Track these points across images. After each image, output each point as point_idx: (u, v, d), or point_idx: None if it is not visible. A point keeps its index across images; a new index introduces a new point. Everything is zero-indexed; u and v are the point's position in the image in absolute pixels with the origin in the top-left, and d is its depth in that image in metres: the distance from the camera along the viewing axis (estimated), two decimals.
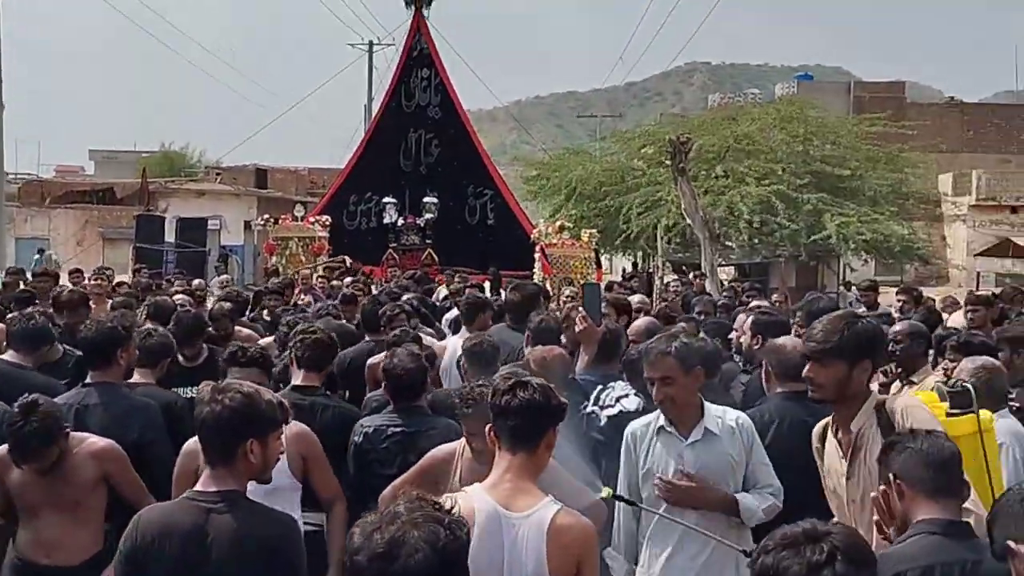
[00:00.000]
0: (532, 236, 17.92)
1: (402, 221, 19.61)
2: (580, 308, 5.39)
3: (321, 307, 8.78)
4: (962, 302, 9.22)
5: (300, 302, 11.21)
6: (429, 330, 8.27)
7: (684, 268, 23.77)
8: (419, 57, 21.39)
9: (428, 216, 19.49)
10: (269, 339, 7.31)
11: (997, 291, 10.47)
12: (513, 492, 2.92)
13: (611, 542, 4.13)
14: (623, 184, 25.76)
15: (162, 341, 5.34)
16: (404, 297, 8.76)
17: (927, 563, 2.81)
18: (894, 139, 28.45)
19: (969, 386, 3.34)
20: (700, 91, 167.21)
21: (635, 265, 30.84)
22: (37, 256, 23.93)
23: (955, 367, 4.91)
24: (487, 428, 3.12)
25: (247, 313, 9.25)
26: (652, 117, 48.22)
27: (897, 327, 6.14)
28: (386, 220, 19.68)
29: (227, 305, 7.85)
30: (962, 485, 3.04)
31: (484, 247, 19.36)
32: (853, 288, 16.75)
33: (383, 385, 4.82)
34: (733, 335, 6.66)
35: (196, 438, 3.71)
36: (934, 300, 10.95)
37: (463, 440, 3.87)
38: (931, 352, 6.19)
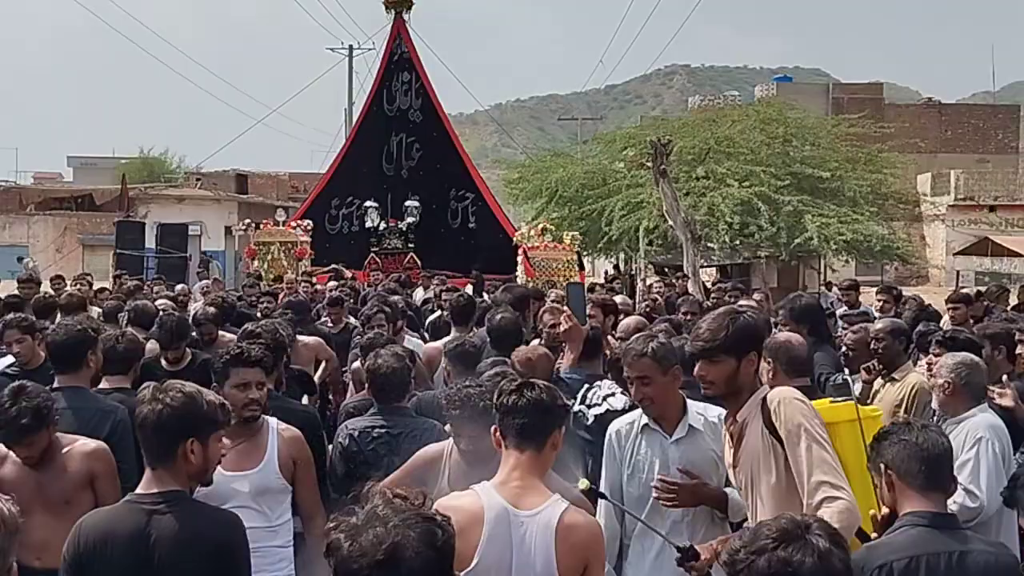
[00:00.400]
0: (514, 239, 17.95)
1: (384, 225, 19.60)
2: (565, 308, 5.41)
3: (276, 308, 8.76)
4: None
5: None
6: (414, 334, 8.30)
7: (666, 270, 23.85)
8: (400, 61, 21.40)
9: (410, 220, 19.49)
10: None
11: (981, 290, 10.57)
12: (521, 490, 2.94)
13: None
14: (605, 187, 25.79)
15: (130, 346, 5.28)
16: (391, 299, 8.77)
17: (913, 554, 2.85)
18: (873, 140, 28.62)
19: (848, 379, 3.49)
20: (680, 94, 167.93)
21: (617, 267, 30.89)
22: (20, 262, 23.80)
23: (939, 362, 4.97)
24: (492, 429, 3.13)
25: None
26: (632, 120, 48.41)
27: (879, 324, 6.20)
28: (368, 224, 19.66)
29: (211, 310, 7.83)
30: (950, 480, 3.08)
31: (466, 250, 19.38)
32: (834, 288, 16.84)
33: (367, 386, 4.82)
34: None
35: None
36: (916, 299, 11.03)
37: (450, 441, 3.88)
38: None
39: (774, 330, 6.11)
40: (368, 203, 19.74)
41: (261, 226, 18.58)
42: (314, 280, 14.67)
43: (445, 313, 9.08)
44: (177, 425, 3.01)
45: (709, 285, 17.09)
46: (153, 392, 3.08)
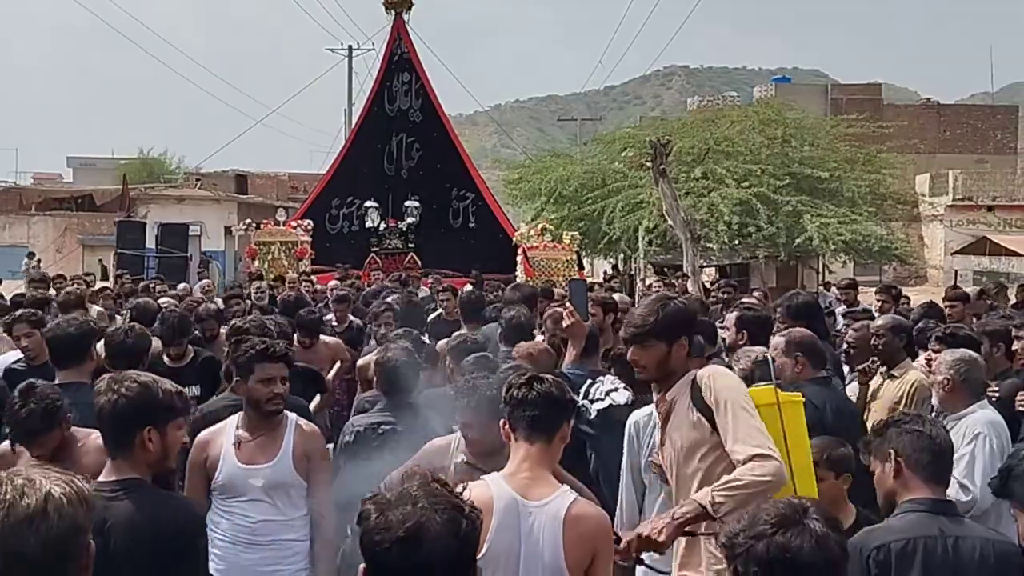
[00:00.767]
0: (514, 239, 18.00)
1: (384, 225, 19.65)
2: (568, 304, 5.45)
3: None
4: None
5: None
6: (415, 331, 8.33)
7: (666, 270, 23.87)
8: (400, 62, 21.45)
9: (410, 220, 19.54)
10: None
11: (983, 288, 10.62)
12: (530, 481, 2.98)
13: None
14: (604, 187, 25.84)
15: (139, 340, 5.32)
16: (390, 298, 8.83)
17: (910, 536, 2.92)
18: (871, 140, 28.67)
19: (769, 358, 3.54)
20: (679, 94, 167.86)
21: (616, 267, 30.93)
22: (26, 261, 23.83)
23: (938, 358, 5.01)
24: (501, 422, 3.17)
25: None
26: (632, 120, 48.41)
27: (879, 321, 6.24)
28: (368, 224, 19.71)
29: (212, 307, 7.89)
30: (950, 472, 3.14)
31: (466, 250, 19.43)
32: (833, 287, 16.87)
33: (374, 381, 4.85)
34: (724, 333, 6.72)
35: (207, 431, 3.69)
36: (908, 299, 11.08)
37: (458, 434, 3.92)
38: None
39: (774, 328, 6.18)
40: (368, 203, 19.80)
41: (261, 226, 18.62)
42: (314, 280, 14.72)
43: (443, 312, 9.15)
44: (133, 414, 3.04)
45: (709, 285, 17.13)
46: (109, 383, 3.11)
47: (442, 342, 7.08)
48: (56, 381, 4.63)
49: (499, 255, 18.30)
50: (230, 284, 13.58)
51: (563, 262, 17.28)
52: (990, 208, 33.92)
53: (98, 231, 31.72)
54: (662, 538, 3.09)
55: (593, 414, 4.72)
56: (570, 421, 3.16)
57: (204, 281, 15.12)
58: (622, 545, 3.14)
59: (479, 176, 22.09)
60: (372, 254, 19.45)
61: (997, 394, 5.19)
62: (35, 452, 3.92)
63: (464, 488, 2.07)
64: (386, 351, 4.74)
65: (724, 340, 6.14)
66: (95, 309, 10.09)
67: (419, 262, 19.04)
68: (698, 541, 3.38)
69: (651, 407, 4.23)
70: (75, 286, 10.83)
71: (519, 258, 17.36)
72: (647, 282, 21.66)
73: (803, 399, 3.55)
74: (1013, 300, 11.92)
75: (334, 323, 9.08)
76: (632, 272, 29.05)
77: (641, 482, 4.21)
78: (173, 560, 3.00)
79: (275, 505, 4.07)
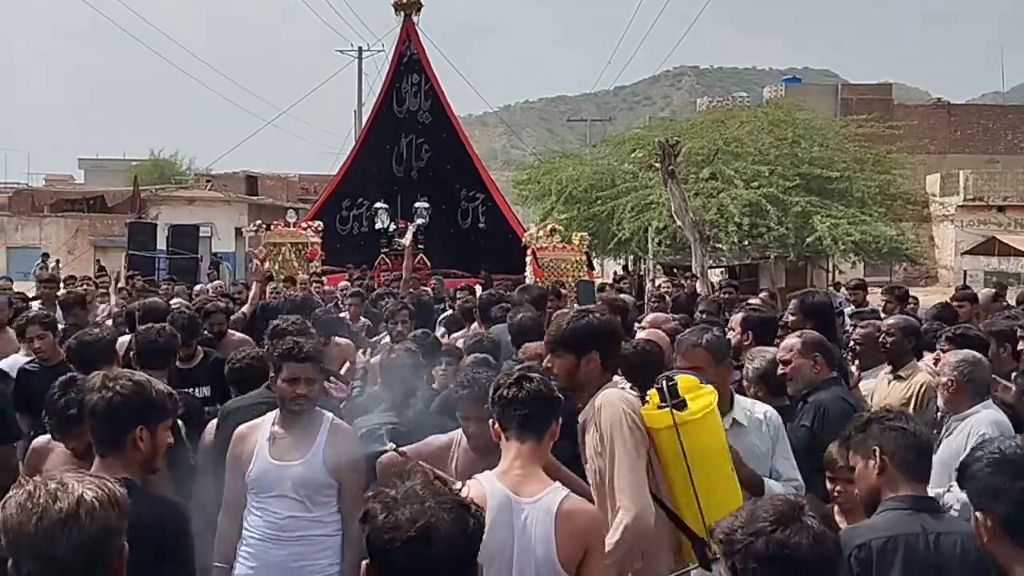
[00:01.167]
0: (523, 239, 18.03)
1: (394, 226, 19.70)
2: (576, 304, 5.49)
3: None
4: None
5: None
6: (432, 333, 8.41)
7: (675, 270, 23.88)
8: (409, 63, 21.50)
9: (420, 221, 19.59)
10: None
11: (991, 291, 10.59)
12: (522, 478, 3.02)
13: None
14: (614, 188, 25.86)
15: (169, 340, 5.38)
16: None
17: (892, 533, 2.95)
18: (881, 140, 28.59)
19: (664, 385, 3.52)
20: (688, 95, 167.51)
21: (626, 268, 30.92)
22: (40, 262, 23.98)
23: (942, 359, 5.03)
24: (490, 421, 3.20)
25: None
26: (641, 121, 48.37)
27: (889, 320, 6.25)
28: (378, 225, 19.77)
29: (221, 303, 7.94)
30: (930, 470, 3.17)
31: (476, 250, 19.47)
32: (842, 288, 16.86)
33: (379, 381, 4.90)
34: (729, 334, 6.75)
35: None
36: (916, 300, 11.07)
37: (459, 431, 3.96)
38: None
39: (785, 326, 6.18)
40: (378, 204, 19.86)
41: (272, 227, 18.69)
42: (324, 280, 14.79)
43: (456, 311, 9.21)
44: (127, 413, 3.05)
45: (718, 286, 17.13)
46: (103, 380, 3.12)
47: (456, 335, 7.17)
48: None
49: (508, 255, 18.33)
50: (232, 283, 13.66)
51: (572, 263, 17.28)
52: (1001, 208, 33.78)
53: (109, 232, 31.86)
54: None
55: None
56: (559, 419, 3.20)
57: (216, 282, 15.22)
58: None
59: (489, 177, 22.13)
60: (382, 255, 19.51)
61: (1000, 396, 5.20)
62: (70, 444, 3.96)
63: (464, 486, 2.11)
64: (389, 352, 4.79)
65: (729, 341, 6.17)
66: (102, 308, 10.19)
67: (428, 263, 19.10)
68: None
69: None
70: (83, 286, 10.93)
71: (528, 258, 17.39)
72: (656, 283, 21.68)
73: (711, 409, 3.56)
74: (1012, 301, 11.88)
75: (348, 320, 9.15)
76: (642, 273, 29.04)
77: None
78: (163, 561, 3.01)
79: (302, 502, 4.10)
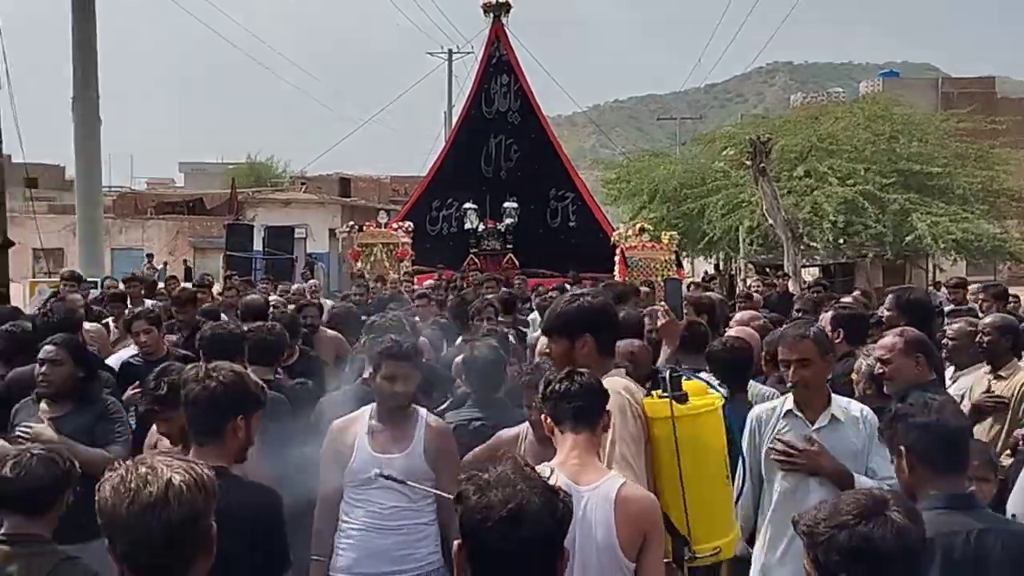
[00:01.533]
0: (613, 238, 17.98)
1: (483, 226, 19.84)
2: (663, 303, 5.47)
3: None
4: None
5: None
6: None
7: (767, 269, 23.54)
8: (498, 64, 21.61)
9: (508, 221, 19.68)
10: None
11: None
12: (580, 468, 3.05)
13: None
14: (704, 186, 25.60)
15: (278, 338, 5.53)
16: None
17: (928, 535, 2.84)
18: (984, 136, 27.67)
19: (668, 375, 3.46)
20: (782, 91, 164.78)
21: (717, 267, 30.58)
22: (146, 263, 24.83)
23: None
24: (543, 416, 3.23)
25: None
26: (733, 119, 47.74)
27: (988, 319, 6.05)
28: (467, 225, 19.93)
29: (316, 300, 8.16)
30: (967, 458, 3.05)
31: (564, 250, 19.46)
32: (943, 288, 16.40)
33: (463, 377, 4.96)
34: None
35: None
36: (1018, 299, 10.71)
37: (526, 424, 4.00)
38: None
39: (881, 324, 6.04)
40: (467, 205, 20.02)
41: (364, 228, 19.03)
42: (415, 280, 15.00)
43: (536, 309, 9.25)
44: (228, 402, 3.15)
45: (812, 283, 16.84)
46: (207, 371, 3.22)
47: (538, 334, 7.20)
48: None
49: (597, 255, 18.29)
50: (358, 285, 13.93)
51: (661, 262, 17.19)
52: None
53: (208, 234, 32.73)
54: None
55: None
56: (608, 411, 3.22)
57: (312, 281, 15.56)
58: None
59: (578, 176, 22.10)
60: (471, 255, 19.67)
61: None
62: (161, 428, 4.11)
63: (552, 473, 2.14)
64: (472, 349, 4.84)
65: None
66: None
67: (517, 263, 19.18)
68: None
69: (776, 401, 4.32)
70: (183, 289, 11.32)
71: (616, 258, 17.34)
72: (747, 282, 21.38)
73: (713, 408, 3.49)
74: None
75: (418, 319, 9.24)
76: (733, 272, 28.71)
77: (760, 476, 4.23)
78: (258, 547, 3.11)
79: (406, 493, 4.18)
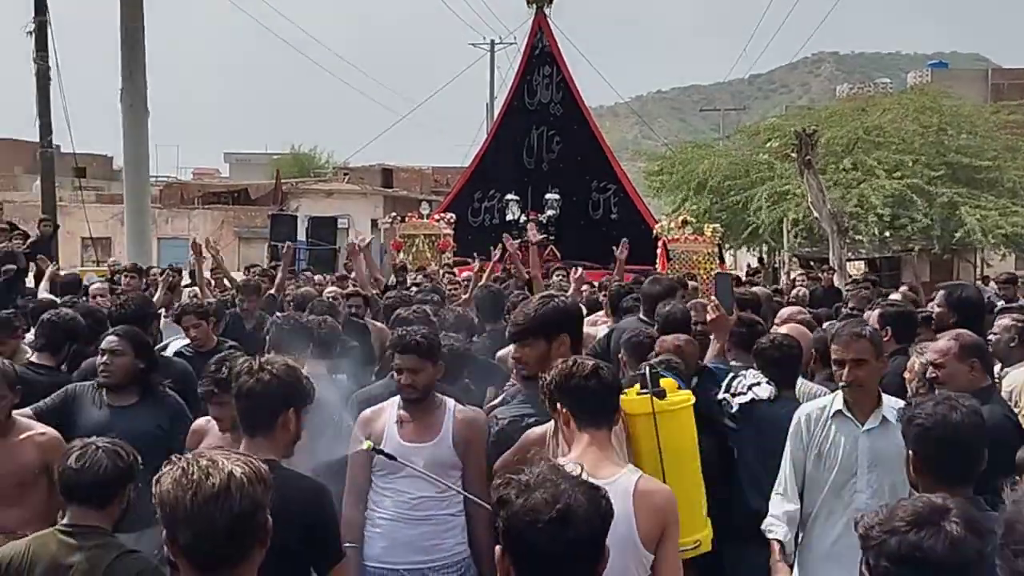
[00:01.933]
0: (655, 231, 17.87)
1: (525, 218, 19.81)
2: (712, 297, 5.44)
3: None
4: None
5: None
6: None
7: (812, 263, 23.29)
8: (541, 55, 21.55)
9: (550, 213, 19.63)
10: None
11: None
12: (598, 462, 3.03)
13: None
14: (748, 178, 25.36)
15: (331, 331, 5.61)
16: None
17: None
18: None
19: (648, 372, 3.45)
20: (828, 82, 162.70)
21: (761, 260, 30.31)
22: (192, 253, 25.04)
23: None
24: (559, 407, 3.20)
25: None
26: (778, 110, 47.28)
27: None
28: (509, 217, 19.90)
29: (361, 291, 8.22)
30: (976, 469, 2.96)
31: (606, 242, 19.35)
32: (991, 282, 16.11)
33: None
34: None
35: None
36: None
37: (551, 423, 4.00)
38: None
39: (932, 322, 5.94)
40: (509, 196, 20.00)
41: (406, 219, 19.09)
42: (456, 271, 15.01)
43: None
44: (281, 395, 3.19)
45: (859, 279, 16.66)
46: (260, 364, 3.26)
47: (594, 328, 7.19)
48: None
49: (639, 247, 18.15)
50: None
51: (704, 255, 17.04)
52: None
53: (252, 224, 33.05)
54: None
55: (735, 408, 4.72)
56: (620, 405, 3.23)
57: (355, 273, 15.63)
58: None
59: (620, 168, 21.98)
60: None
61: None
62: (214, 412, 4.21)
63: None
64: None
65: None
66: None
67: (558, 254, 19.14)
68: None
69: (825, 400, 4.27)
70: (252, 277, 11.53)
71: (658, 251, 17.23)
72: (792, 275, 21.18)
73: (688, 405, 3.47)
74: None
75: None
76: (776, 265, 28.45)
77: (804, 474, 4.20)
78: (309, 538, 3.15)
79: (432, 482, 4.20)
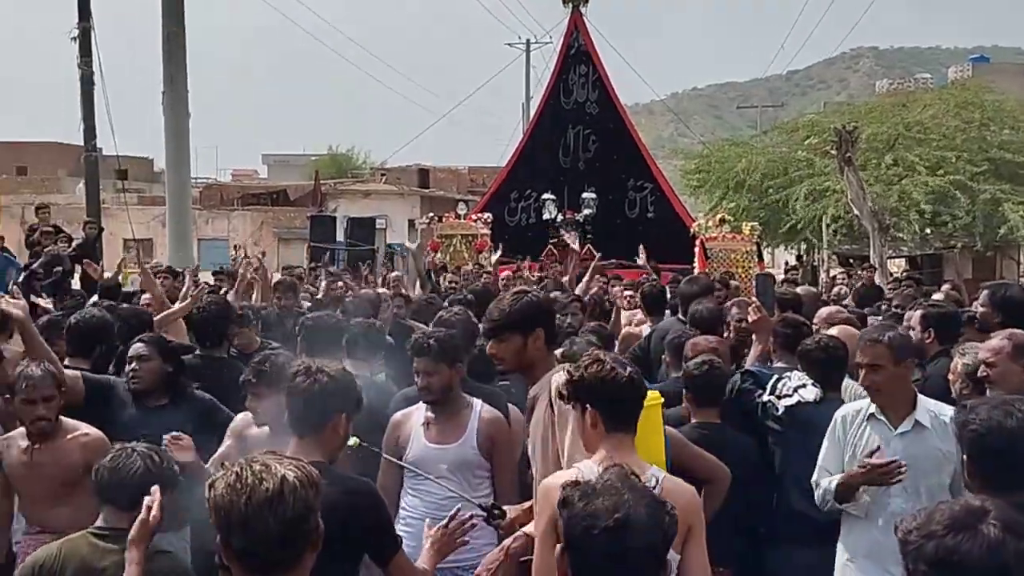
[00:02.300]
0: (692, 229, 17.80)
1: (561, 217, 19.82)
2: (754, 298, 5.42)
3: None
4: None
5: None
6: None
7: (851, 261, 23.09)
8: (577, 54, 21.54)
9: (587, 212, 19.62)
10: None
11: None
12: (625, 464, 3.03)
13: None
14: (786, 176, 25.18)
15: (378, 336, 5.66)
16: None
17: None
18: None
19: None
20: (867, 77, 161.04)
21: (799, 258, 30.07)
22: (233, 255, 25.27)
23: None
24: (588, 409, 3.15)
25: None
26: (816, 106, 46.86)
27: None
28: (546, 216, 19.91)
29: (403, 291, 8.28)
30: (1016, 476, 2.82)
31: (643, 241, 19.29)
32: None
33: None
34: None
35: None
36: None
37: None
38: None
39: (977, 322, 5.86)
40: (545, 195, 20.00)
41: (443, 219, 19.16)
42: (492, 271, 15.05)
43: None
44: (334, 398, 3.21)
45: (900, 276, 16.52)
46: (317, 366, 3.27)
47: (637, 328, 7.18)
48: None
49: (676, 246, 18.11)
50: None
51: (743, 253, 16.92)
52: None
53: (291, 224, 33.27)
54: (501, 573, 3.32)
55: (780, 410, 4.71)
56: None
57: (396, 273, 15.73)
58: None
59: (656, 166, 21.93)
60: (550, 246, 19.65)
61: None
62: (252, 403, 4.27)
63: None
64: (571, 344, 4.89)
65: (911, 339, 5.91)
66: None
67: (595, 253, 19.10)
68: None
69: (862, 403, 4.24)
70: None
71: (696, 250, 17.15)
72: (831, 273, 21.00)
73: (656, 404, 3.46)
74: None
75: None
76: (815, 263, 28.22)
77: (840, 473, 4.17)
78: (364, 541, 3.18)
79: (460, 483, 4.27)
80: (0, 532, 4.07)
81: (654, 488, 2.94)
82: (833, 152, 17.04)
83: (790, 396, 4.71)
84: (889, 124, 24.80)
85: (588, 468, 3.05)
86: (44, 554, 3.12)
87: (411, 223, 31.87)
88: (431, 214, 20.64)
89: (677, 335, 5.43)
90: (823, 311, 6.74)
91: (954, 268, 24.19)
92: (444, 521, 3.42)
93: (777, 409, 4.72)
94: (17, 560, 4.19)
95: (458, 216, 19.15)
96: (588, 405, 3.09)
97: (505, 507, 3.76)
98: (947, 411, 4.03)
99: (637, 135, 21.72)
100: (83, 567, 3.05)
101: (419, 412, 4.49)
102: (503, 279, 12.51)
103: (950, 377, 4.68)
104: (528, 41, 44.24)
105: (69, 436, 4.31)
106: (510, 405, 4.69)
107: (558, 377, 3.50)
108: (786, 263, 29.43)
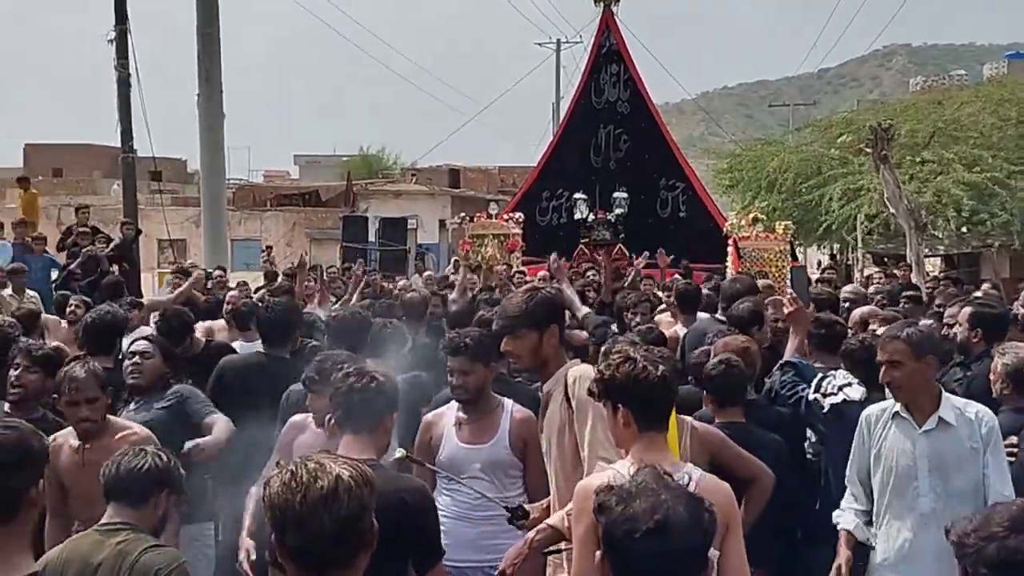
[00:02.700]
0: (724, 229, 17.69)
1: (593, 216, 19.78)
2: (789, 291, 5.39)
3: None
4: None
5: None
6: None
7: (886, 260, 22.87)
8: (608, 53, 21.49)
9: (618, 211, 19.56)
10: None
11: None
12: (659, 463, 2.96)
13: None
14: (820, 175, 24.98)
15: (396, 333, 5.69)
16: None
17: None
18: None
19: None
20: (900, 75, 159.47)
21: (833, 257, 29.82)
22: (264, 255, 25.47)
23: None
24: (621, 409, 3.13)
25: None
26: (848, 104, 46.47)
27: None
28: (577, 216, 19.88)
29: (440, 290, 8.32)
30: None
31: (675, 240, 19.22)
32: None
33: None
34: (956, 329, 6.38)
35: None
36: None
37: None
38: None
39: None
40: (577, 195, 19.96)
41: (475, 219, 19.19)
42: (526, 271, 15.06)
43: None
44: (386, 399, 3.32)
45: (938, 275, 16.34)
46: (368, 368, 3.39)
47: (673, 328, 7.16)
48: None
49: (709, 245, 18.03)
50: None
51: (776, 252, 16.79)
52: None
53: (323, 225, 33.40)
54: (525, 566, 3.37)
55: (826, 408, 4.68)
56: None
57: (428, 273, 15.80)
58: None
59: (688, 165, 21.83)
60: (581, 245, 19.62)
61: None
62: (315, 403, 4.29)
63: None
64: (614, 342, 4.89)
65: (955, 335, 5.86)
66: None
67: (627, 253, 19.06)
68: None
69: (887, 402, 4.22)
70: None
71: (729, 249, 17.05)
72: (865, 272, 20.80)
73: None
74: None
75: None
76: (850, 262, 27.99)
77: (868, 475, 4.18)
78: (413, 541, 3.19)
79: (492, 483, 4.31)
80: (60, 529, 4.12)
81: (688, 486, 2.96)
82: (868, 150, 16.86)
83: (835, 394, 4.69)
84: (925, 122, 24.56)
85: (623, 466, 3.06)
86: (49, 556, 3.15)
87: (442, 223, 31.97)
88: (462, 214, 20.68)
89: (715, 335, 5.41)
90: (856, 312, 6.70)
91: (991, 267, 23.87)
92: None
93: (823, 407, 4.69)
94: None
95: (489, 216, 19.18)
96: (620, 404, 3.06)
97: (528, 507, 3.79)
98: (973, 409, 4.05)
99: (669, 134, 21.63)
100: (83, 565, 3.08)
101: (451, 412, 4.51)
102: (539, 278, 12.52)
103: (991, 377, 4.64)
104: (559, 41, 44.27)
105: (119, 435, 4.34)
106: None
107: (573, 372, 3.51)
108: (819, 262, 29.21)
